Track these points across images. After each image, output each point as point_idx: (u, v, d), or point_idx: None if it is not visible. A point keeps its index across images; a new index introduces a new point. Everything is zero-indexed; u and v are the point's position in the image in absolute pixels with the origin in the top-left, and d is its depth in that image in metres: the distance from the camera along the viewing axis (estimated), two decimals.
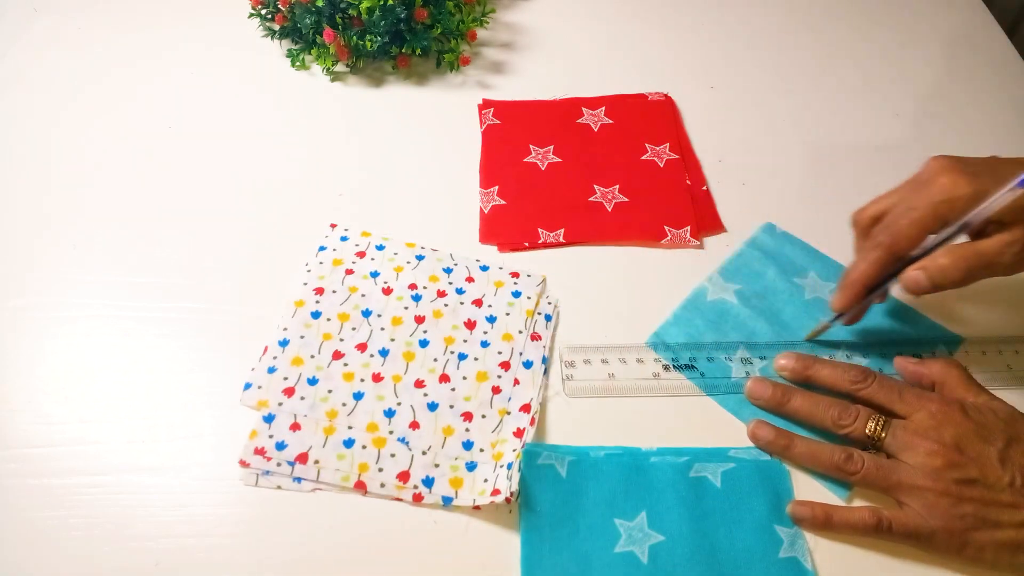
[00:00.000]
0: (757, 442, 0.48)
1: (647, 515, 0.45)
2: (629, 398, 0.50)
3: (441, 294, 0.55)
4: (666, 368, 0.51)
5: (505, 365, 0.51)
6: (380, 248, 0.57)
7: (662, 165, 0.63)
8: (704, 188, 0.62)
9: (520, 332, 0.53)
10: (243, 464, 0.46)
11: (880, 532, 0.44)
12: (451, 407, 0.49)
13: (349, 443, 0.47)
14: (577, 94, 0.69)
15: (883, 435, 0.46)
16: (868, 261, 0.49)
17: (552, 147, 0.65)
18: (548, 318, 0.54)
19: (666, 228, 0.59)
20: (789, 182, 0.64)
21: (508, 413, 0.49)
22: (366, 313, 0.54)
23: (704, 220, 0.60)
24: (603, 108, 0.68)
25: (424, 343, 0.52)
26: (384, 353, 0.52)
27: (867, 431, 0.46)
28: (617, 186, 0.62)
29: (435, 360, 0.51)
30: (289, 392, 0.49)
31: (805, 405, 0.49)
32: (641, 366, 0.52)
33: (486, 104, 0.68)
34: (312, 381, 0.50)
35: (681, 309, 0.54)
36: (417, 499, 0.46)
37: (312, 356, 0.51)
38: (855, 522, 0.44)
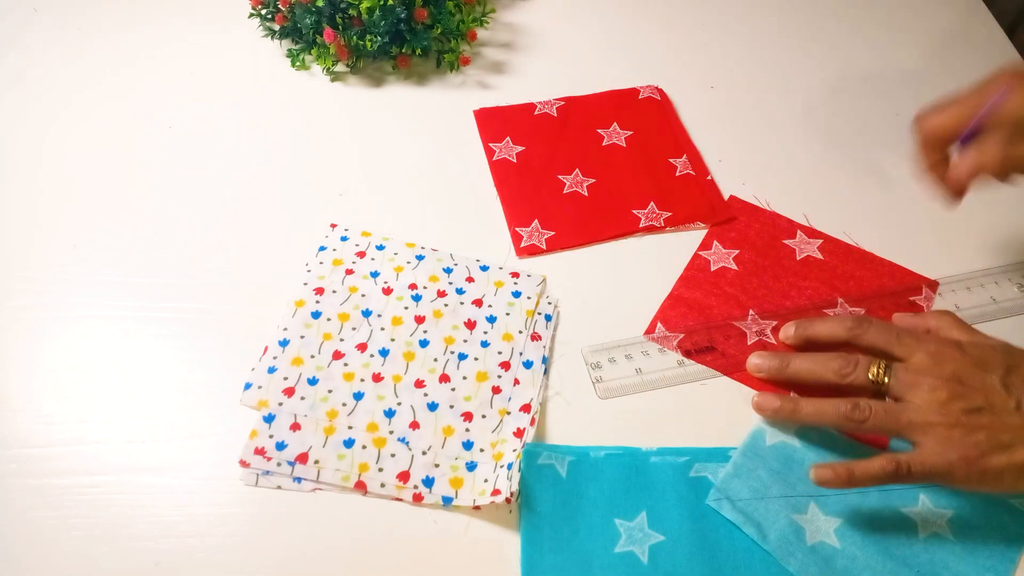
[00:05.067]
0: (763, 412, 0.49)
1: (647, 515, 0.45)
2: (659, 391, 0.51)
3: (441, 294, 0.55)
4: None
5: (505, 365, 0.51)
6: (380, 248, 0.57)
7: (679, 174, 0.64)
8: (709, 178, 0.63)
9: (520, 332, 0.53)
10: (243, 464, 0.46)
11: (900, 476, 0.44)
12: (451, 407, 0.49)
13: (349, 443, 0.47)
14: (577, 94, 0.69)
15: (886, 378, 0.46)
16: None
17: (578, 170, 0.64)
18: (548, 318, 0.54)
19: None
20: (789, 182, 0.64)
21: (508, 413, 0.49)
22: (366, 313, 0.54)
23: (717, 207, 0.62)
24: (615, 124, 0.67)
25: (424, 343, 0.52)
26: (384, 353, 0.52)
27: (870, 376, 0.47)
28: (653, 203, 0.61)
29: (435, 360, 0.51)
30: (289, 392, 0.49)
31: (805, 363, 0.49)
32: (663, 356, 0.52)
33: (491, 138, 0.66)
34: (312, 381, 0.50)
35: (741, 457, 0.48)
36: (417, 499, 0.46)
37: (312, 356, 0.51)
38: (876, 472, 0.44)
